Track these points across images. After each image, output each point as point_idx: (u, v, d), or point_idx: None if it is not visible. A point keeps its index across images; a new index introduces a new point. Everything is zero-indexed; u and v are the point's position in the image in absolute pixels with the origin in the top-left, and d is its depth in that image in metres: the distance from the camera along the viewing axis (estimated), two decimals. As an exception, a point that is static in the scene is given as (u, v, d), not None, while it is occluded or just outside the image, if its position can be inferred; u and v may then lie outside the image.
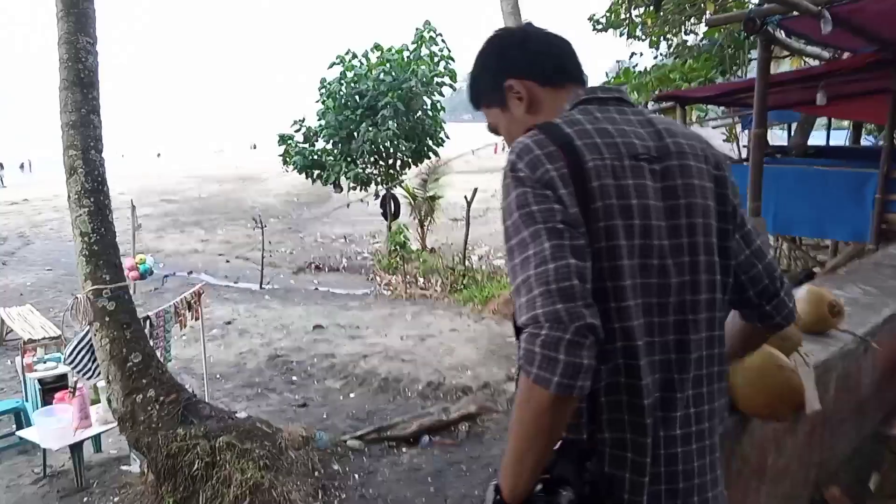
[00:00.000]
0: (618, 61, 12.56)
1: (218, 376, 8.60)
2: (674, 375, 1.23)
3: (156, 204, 26.56)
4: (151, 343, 5.86)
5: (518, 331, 1.14)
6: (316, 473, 5.47)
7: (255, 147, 62.48)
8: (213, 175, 37.66)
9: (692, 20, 11.68)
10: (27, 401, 6.72)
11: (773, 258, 1.52)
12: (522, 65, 1.37)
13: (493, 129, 1.47)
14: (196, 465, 5.09)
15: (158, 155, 57.19)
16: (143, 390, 5.41)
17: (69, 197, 5.58)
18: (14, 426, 6.35)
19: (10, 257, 17.14)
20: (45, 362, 6.82)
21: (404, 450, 6.30)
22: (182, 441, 5.20)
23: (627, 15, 12.16)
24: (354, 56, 16.44)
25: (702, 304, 1.26)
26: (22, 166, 45.80)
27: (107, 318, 5.42)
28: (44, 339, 7.92)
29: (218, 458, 5.14)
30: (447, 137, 17.06)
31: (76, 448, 5.70)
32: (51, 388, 6.45)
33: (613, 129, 1.23)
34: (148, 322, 5.95)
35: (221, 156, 56.14)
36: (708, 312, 1.27)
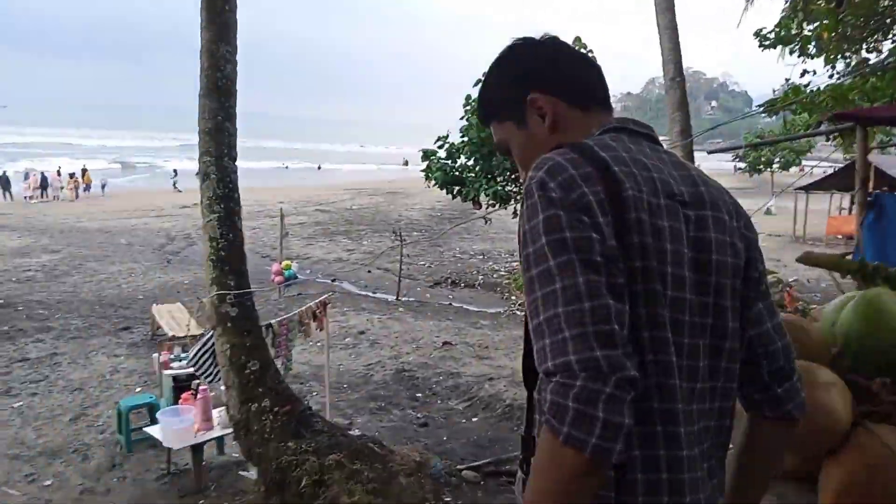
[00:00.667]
0: (786, 79, 11.43)
1: (345, 386, 8.59)
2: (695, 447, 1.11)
3: (310, 213, 27.85)
4: (273, 352, 5.84)
5: (532, 378, 1.06)
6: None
7: (406, 163, 64.41)
8: (367, 188, 39.07)
9: (876, 36, 10.36)
10: (162, 397, 6.96)
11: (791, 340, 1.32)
12: (550, 78, 1.23)
13: (503, 148, 1.32)
14: (304, 482, 4.93)
15: (319, 167, 60.31)
16: (258, 399, 5.37)
17: (201, 202, 5.68)
18: (149, 420, 6.57)
19: (174, 256, 18.46)
20: (180, 360, 7.03)
21: (522, 486, 5.84)
22: (292, 455, 5.08)
23: (800, 30, 11.00)
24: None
25: (721, 372, 1.15)
26: (198, 173, 49.78)
27: (229, 324, 5.44)
28: (183, 336, 8.25)
29: (326, 476, 4.96)
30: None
31: (197, 449, 5.77)
32: (183, 387, 6.61)
33: (648, 162, 1.11)
34: (270, 330, 5.93)
35: (378, 171, 58.37)
36: (726, 382, 1.16)
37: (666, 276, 1.05)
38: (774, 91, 12.15)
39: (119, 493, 5.71)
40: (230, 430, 5.73)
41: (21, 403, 7.58)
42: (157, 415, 5.88)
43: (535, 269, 1.01)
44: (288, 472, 4.99)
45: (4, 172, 32.90)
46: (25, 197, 32.33)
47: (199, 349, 5.75)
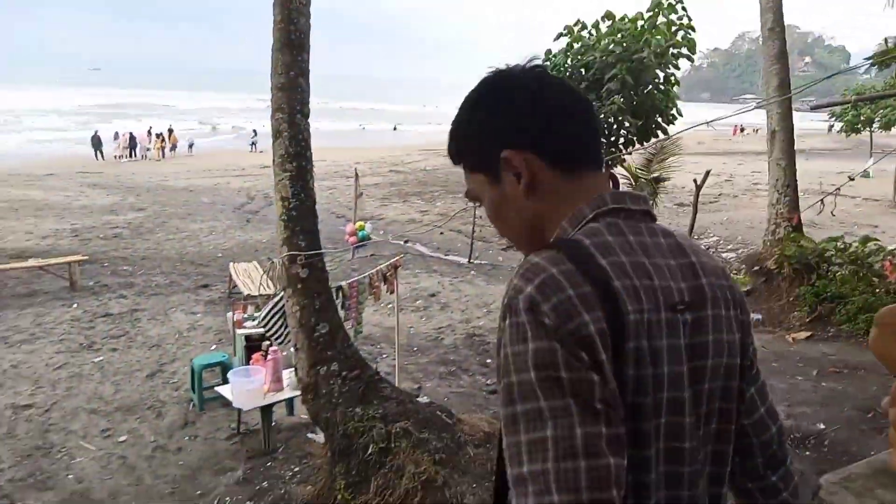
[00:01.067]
0: (885, 38, 10.43)
1: (415, 349, 8.48)
2: None
3: (384, 174, 27.86)
4: (342, 314, 5.72)
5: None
6: (493, 478, 4.96)
7: (481, 122, 63.55)
8: (441, 149, 38.63)
9: None
10: (235, 356, 7.01)
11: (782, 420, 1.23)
12: (528, 133, 1.04)
13: (474, 197, 1.14)
14: (371, 450, 4.82)
15: (395, 128, 60.33)
16: (327, 362, 5.26)
17: (273, 161, 5.55)
18: (221, 378, 6.62)
19: (253, 215, 18.78)
20: (253, 319, 7.04)
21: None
22: (359, 421, 4.96)
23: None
24: (584, 27, 15.49)
25: (719, 478, 1.08)
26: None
27: (299, 286, 5.33)
28: (257, 296, 8.29)
29: (393, 444, 4.83)
30: (679, 115, 15.52)
31: (266, 411, 5.76)
32: (255, 347, 6.62)
33: (650, 263, 0.97)
34: (340, 292, 5.81)
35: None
36: (715, 487, 1.07)
37: (661, 403, 0.95)
38: (887, 42, 11.11)
39: (190, 451, 5.77)
40: (299, 392, 5.69)
41: (101, 358, 7.80)
42: (228, 375, 5.88)
43: (519, 406, 0.86)
44: (355, 439, 4.88)
45: (96, 133, 34.22)
46: (115, 156, 33.65)
47: (270, 310, 5.69)
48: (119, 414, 6.42)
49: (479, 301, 10.70)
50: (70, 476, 5.35)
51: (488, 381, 7.51)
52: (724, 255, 14.02)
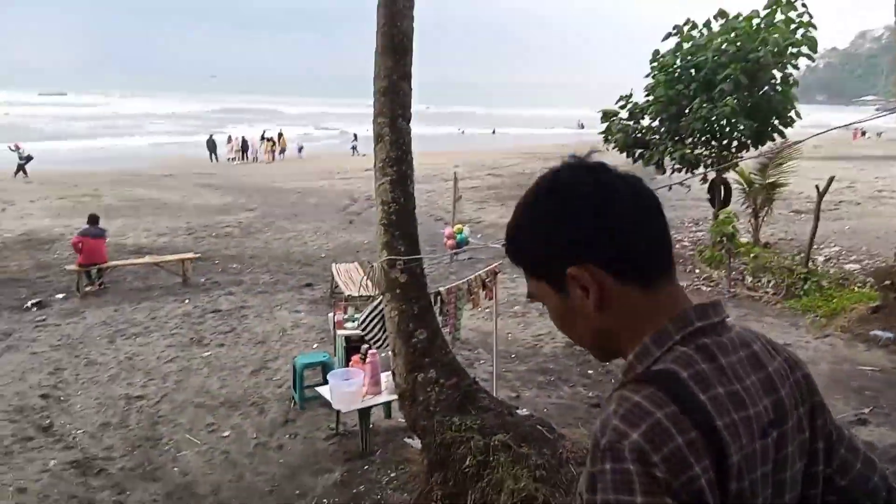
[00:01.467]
0: None
1: (513, 356, 8.30)
2: None
3: (482, 177, 27.79)
4: (440, 320, 5.63)
5: None
6: None
7: (581, 126, 62.56)
8: (540, 152, 38.38)
9: None
10: (335, 356, 7.07)
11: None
12: (594, 247, 0.97)
13: (537, 299, 1.07)
14: (468, 462, 4.69)
15: (493, 132, 60.27)
16: (425, 369, 5.18)
17: (375, 165, 5.54)
18: (322, 377, 6.68)
19: (356, 217, 19.13)
20: (353, 321, 7.08)
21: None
22: (457, 431, 4.84)
23: None
24: (694, 26, 14.84)
25: None
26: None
27: (398, 290, 5.28)
28: (358, 297, 8.35)
29: (491, 458, 4.68)
30: (798, 117, 14.57)
31: (364, 413, 5.75)
32: (355, 348, 6.64)
33: (742, 389, 0.93)
34: (438, 298, 5.72)
35: (552, 134, 57.43)
36: None
37: None
38: None
39: (290, 450, 5.84)
40: (396, 396, 5.64)
41: (209, 353, 8.08)
42: (328, 376, 5.91)
43: None
44: (452, 449, 4.76)
45: (211, 136, 36.04)
46: (228, 159, 35.31)
47: (369, 313, 5.68)
48: (224, 409, 6.60)
49: (580, 309, 10.38)
50: (175, 469, 5.53)
51: (590, 394, 7.24)
52: (846, 266, 13.01)
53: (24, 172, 24.59)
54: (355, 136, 40.24)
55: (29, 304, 9.80)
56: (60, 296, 10.39)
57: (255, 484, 5.35)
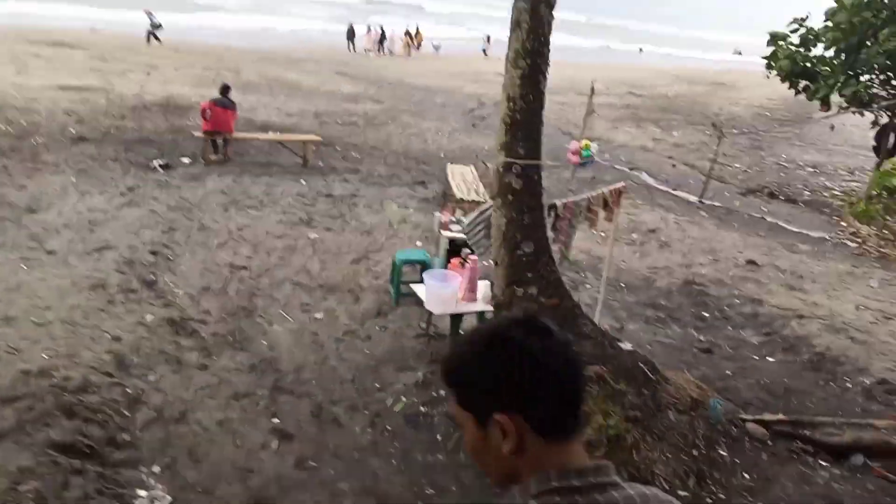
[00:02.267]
0: None
1: (622, 285, 7.77)
2: None
3: (621, 95, 26.19)
4: (551, 236, 5.18)
5: None
6: (694, 452, 4.26)
7: (739, 53, 57.62)
8: (688, 76, 35.76)
9: None
10: (436, 256, 6.80)
11: None
12: (525, 402, 1.09)
13: (454, 420, 1.24)
14: (556, 387, 4.35)
15: (640, 50, 56.65)
16: (526, 284, 4.80)
17: (507, 55, 4.98)
18: (419, 276, 6.45)
19: (480, 121, 18.57)
20: (459, 224, 6.75)
21: (823, 463, 4.63)
22: (550, 354, 4.49)
23: None
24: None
25: None
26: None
27: (510, 197, 4.85)
28: (468, 201, 7.99)
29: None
30: None
31: (456, 319, 5.48)
32: (456, 251, 6.34)
33: None
34: (553, 212, 5.24)
35: (703, 58, 53.35)
36: None
37: None
38: None
39: (377, 342, 5.71)
40: (492, 307, 5.31)
41: (316, 236, 8.04)
42: (424, 275, 5.65)
43: None
44: (541, 373, 4.42)
45: (351, 25, 35.86)
46: (365, 49, 35.16)
47: (476, 218, 5.30)
48: (320, 292, 6.55)
49: (706, 246, 9.57)
50: (264, 342, 5.53)
51: (702, 338, 6.65)
52: None
53: (157, 39, 25.23)
54: (488, 37, 38.91)
55: (156, 163, 10.11)
56: (186, 160, 10.68)
57: (337, 369, 5.26)
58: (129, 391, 4.61)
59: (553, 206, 5.32)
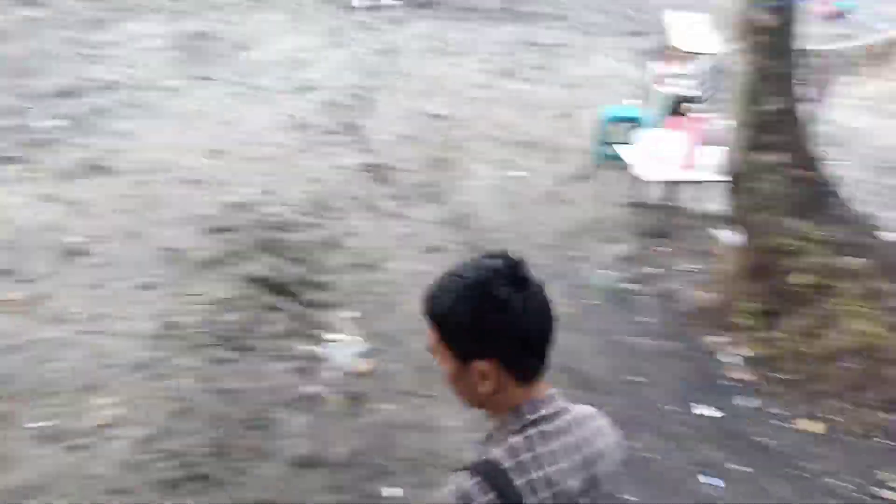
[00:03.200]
0: None
1: (885, 165, 6.47)
2: None
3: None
4: (805, 91, 4.22)
5: None
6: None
7: None
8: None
9: None
10: (649, 113, 6.00)
11: None
12: (506, 351, 1.19)
13: (431, 351, 1.27)
14: (799, 279, 3.63)
15: None
16: (769, 150, 3.98)
17: None
18: (627, 137, 5.76)
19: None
20: (681, 77, 5.84)
21: None
22: (794, 238, 3.74)
23: None
24: None
25: None
26: None
27: (757, 39, 3.94)
28: (693, 53, 6.92)
29: (831, 283, 3.56)
30: None
31: (671, 188, 4.82)
32: (675, 110, 5.52)
33: (555, 470, 1.19)
34: (810, 59, 4.24)
35: None
36: None
37: None
38: None
39: (578, 206, 5.22)
40: (719, 177, 4.55)
41: (516, 87, 7.48)
42: (636, 134, 4.95)
43: None
44: (781, 259, 3.71)
45: None
46: None
47: (708, 68, 4.45)
48: (519, 148, 6.09)
49: None
50: (459, 197, 5.25)
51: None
52: None
53: None
54: None
55: (357, 2, 9.85)
56: (390, 1, 10.32)
57: (534, 232, 4.88)
58: (326, 233, 4.58)
59: (811, 53, 4.31)
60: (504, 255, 1.23)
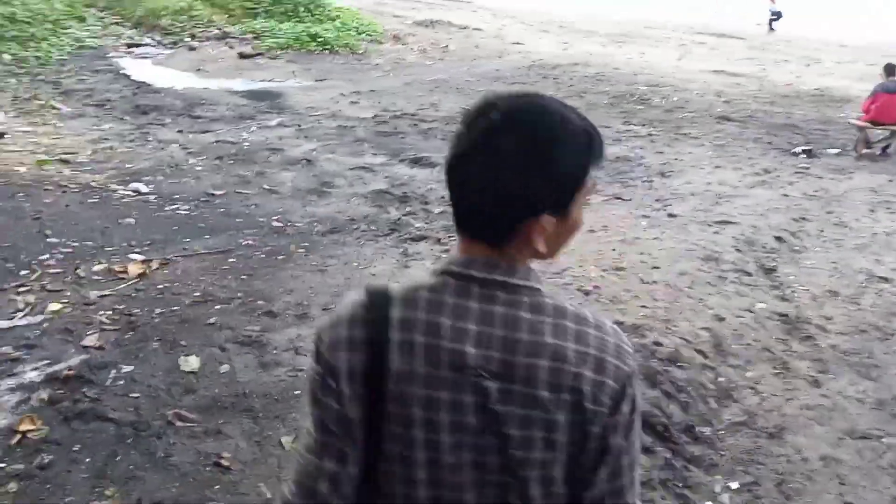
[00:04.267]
0: None
1: None
2: None
3: None
4: None
5: None
6: None
7: None
8: None
9: None
10: None
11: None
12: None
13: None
14: None
15: None
16: None
17: None
18: None
19: None
20: None
21: None
22: None
23: None
24: None
25: None
26: None
27: None
28: None
29: None
30: None
31: None
32: None
33: (449, 325, 1.07)
34: None
35: None
36: None
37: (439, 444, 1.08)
38: None
39: None
40: None
41: None
42: None
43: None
44: None
45: None
46: None
47: None
48: None
49: None
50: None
51: None
52: None
53: (772, 28, 24.20)
54: None
55: (798, 150, 9.08)
56: (833, 151, 9.29)
57: None
58: (722, 380, 3.90)
59: None
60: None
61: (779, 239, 6.04)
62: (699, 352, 4.13)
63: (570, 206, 1.07)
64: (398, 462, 1.09)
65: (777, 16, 24.88)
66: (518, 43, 17.76)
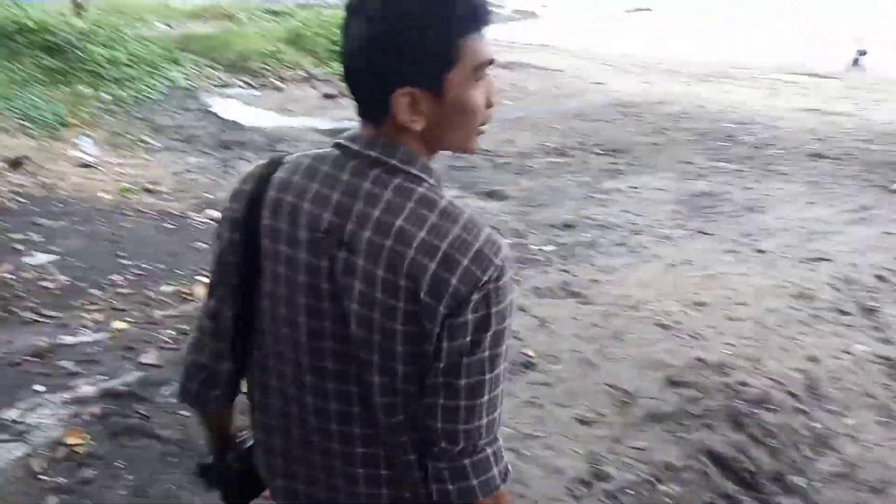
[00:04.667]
0: None
1: None
2: None
3: None
4: None
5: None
6: None
7: None
8: None
9: None
10: None
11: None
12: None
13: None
14: None
15: None
16: None
17: None
18: None
19: None
20: None
21: None
22: None
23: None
24: None
25: None
26: None
27: None
28: None
29: None
30: None
31: None
32: None
33: (318, 192, 1.12)
34: None
35: None
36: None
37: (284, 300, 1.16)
38: None
39: None
40: None
41: None
42: None
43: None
44: None
45: None
46: None
47: None
48: None
49: None
50: None
51: None
52: None
53: (857, 65, 22.87)
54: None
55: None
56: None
57: None
58: (816, 426, 3.49)
59: None
60: None
61: (880, 278, 5.52)
62: (791, 394, 3.73)
63: (442, 78, 1.03)
64: (268, 318, 1.17)
65: (862, 54, 23.97)
66: (599, 83, 17.55)
